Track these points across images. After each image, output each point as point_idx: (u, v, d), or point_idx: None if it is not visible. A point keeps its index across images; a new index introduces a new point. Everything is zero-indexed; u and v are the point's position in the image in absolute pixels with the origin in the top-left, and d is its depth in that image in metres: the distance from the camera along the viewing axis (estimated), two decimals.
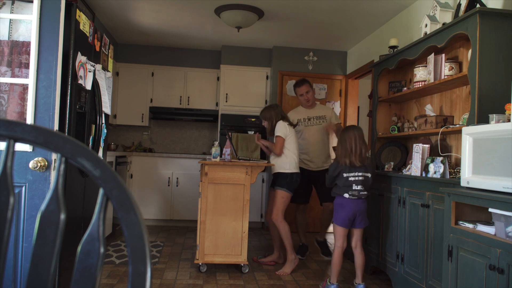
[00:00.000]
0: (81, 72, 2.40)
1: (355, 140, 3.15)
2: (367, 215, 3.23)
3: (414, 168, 3.08)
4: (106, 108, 2.99)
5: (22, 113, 2.09)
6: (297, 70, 5.79)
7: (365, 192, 3.16)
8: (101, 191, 0.62)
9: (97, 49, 2.77)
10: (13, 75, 2.10)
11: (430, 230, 2.78)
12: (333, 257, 3.23)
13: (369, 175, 3.19)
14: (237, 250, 3.54)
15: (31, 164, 1.86)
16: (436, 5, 3.24)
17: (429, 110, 3.39)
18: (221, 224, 3.54)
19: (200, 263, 3.53)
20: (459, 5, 3.09)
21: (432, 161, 2.91)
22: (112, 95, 5.06)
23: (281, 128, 3.81)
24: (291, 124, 3.89)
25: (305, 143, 4.22)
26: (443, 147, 3.19)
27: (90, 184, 2.71)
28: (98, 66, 2.77)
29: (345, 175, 3.15)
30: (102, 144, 2.89)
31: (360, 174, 3.15)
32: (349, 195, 3.12)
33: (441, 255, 2.45)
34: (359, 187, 3.14)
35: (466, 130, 2.35)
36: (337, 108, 5.82)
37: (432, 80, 3.16)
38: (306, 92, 4.22)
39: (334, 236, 3.25)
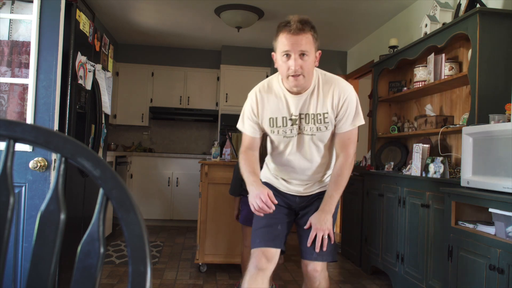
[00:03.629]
0: (81, 72, 2.40)
1: None
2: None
3: (414, 168, 3.08)
4: (106, 108, 2.98)
5: (22, 113, 2.09)
6: None
7: None
8: (101, 191, 0.62)
9: (97, 49, 2.77)
10: (13, 75, 2.10)
11: (430, 230, 2.78)
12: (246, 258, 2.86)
13: None
14: (237, 250, 3.54)
15: (31, 164, 1.86)
16: (436, 5, 3.24)
17: (429, 110, 3.39)
18: (221, 224, 3.53)
19: (200, 263, 3.53)
20: (459, 5, 3.09)
21: (432, 161, 2.91)
22: (112, 95, 5.05)
23: None
24: None
25: (286, 166, 1.99)
26: (443, 147, 3.19)
27: (90, 184, 2.71)
28: (98, 66, 2.77)
29: None
30: (102, 144, 2.89)
31: None
32: None
33: (441, 255, 2.45)
34: None
35: (466, 130, 2.35)
36: None
37: (432, 80, 3.16)
38: (300, 54, 1.75)
39: (245, 236, 2.95)
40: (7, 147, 0.66)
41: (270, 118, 1.87)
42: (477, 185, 2.21)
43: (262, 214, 1.70)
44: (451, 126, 2.98)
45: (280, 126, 1.86)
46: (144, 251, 0.59)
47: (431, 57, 3.18)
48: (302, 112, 1.83)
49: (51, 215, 0.64)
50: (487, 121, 2.38)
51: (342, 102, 1.82)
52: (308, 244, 1.84)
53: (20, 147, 1.84)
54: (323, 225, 1.82)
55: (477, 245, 2.05)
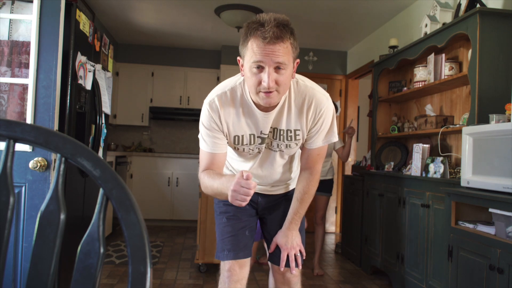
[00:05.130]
0: (81, 72, 2.40)
1: None
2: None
3: (414, 168, 3.08)
4: (106, 108, 2.98)
5: (22, 113, 2.09)
6: (297, 70, 5.78)
7: None
8: (101, 191, 0.62)
9: (97, 49, 2.77)
10: (13, 75, 2.10)
11: (430, 230, 2.78)
12: None
13: None
14: None
15: (31, 164, 1.86)
16: (436, 5, 3.24)
17: (429, 110, 3.39)
18: None
19: (200, 263, 3.52)
20: (459, 5, 3.09)
21: (432, 161, 2.91)
22: (112, 95, 5.05)
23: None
24: None
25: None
26: (443, 147, 3.19)
27: (90, 184, 2.70)
28: (98, 66, 2.77)
29: None
30: (102, 144, 2.89)
31: None
32: None
33: (441, 255, 2.45)
34: None
35: (466, 130, 2.35)
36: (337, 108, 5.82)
37: (432, 80, 3.16)
38: (276, 67, 1.41)
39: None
40: (7, 147, 0.66)
41: (235, 136, 1.59)
42: (477, 185, 2.21)
43: (246, 202, 1.33)
44: (451, 126, 2.98)
45: (246, 144, 1.60)
46: (144, 251, 0.59)
47: (431, 57, 3.18)
48: (271, 126, 1.59)
49: (51, 215, 0.64)
50: (487, 121, 2.38)
51: (318, 118, 1.57)
52: (282, 268, 1.72)
53: (20, 147, 1.84)
54: (293, 243, 1.70)
55: (477, 245, 2.05)
